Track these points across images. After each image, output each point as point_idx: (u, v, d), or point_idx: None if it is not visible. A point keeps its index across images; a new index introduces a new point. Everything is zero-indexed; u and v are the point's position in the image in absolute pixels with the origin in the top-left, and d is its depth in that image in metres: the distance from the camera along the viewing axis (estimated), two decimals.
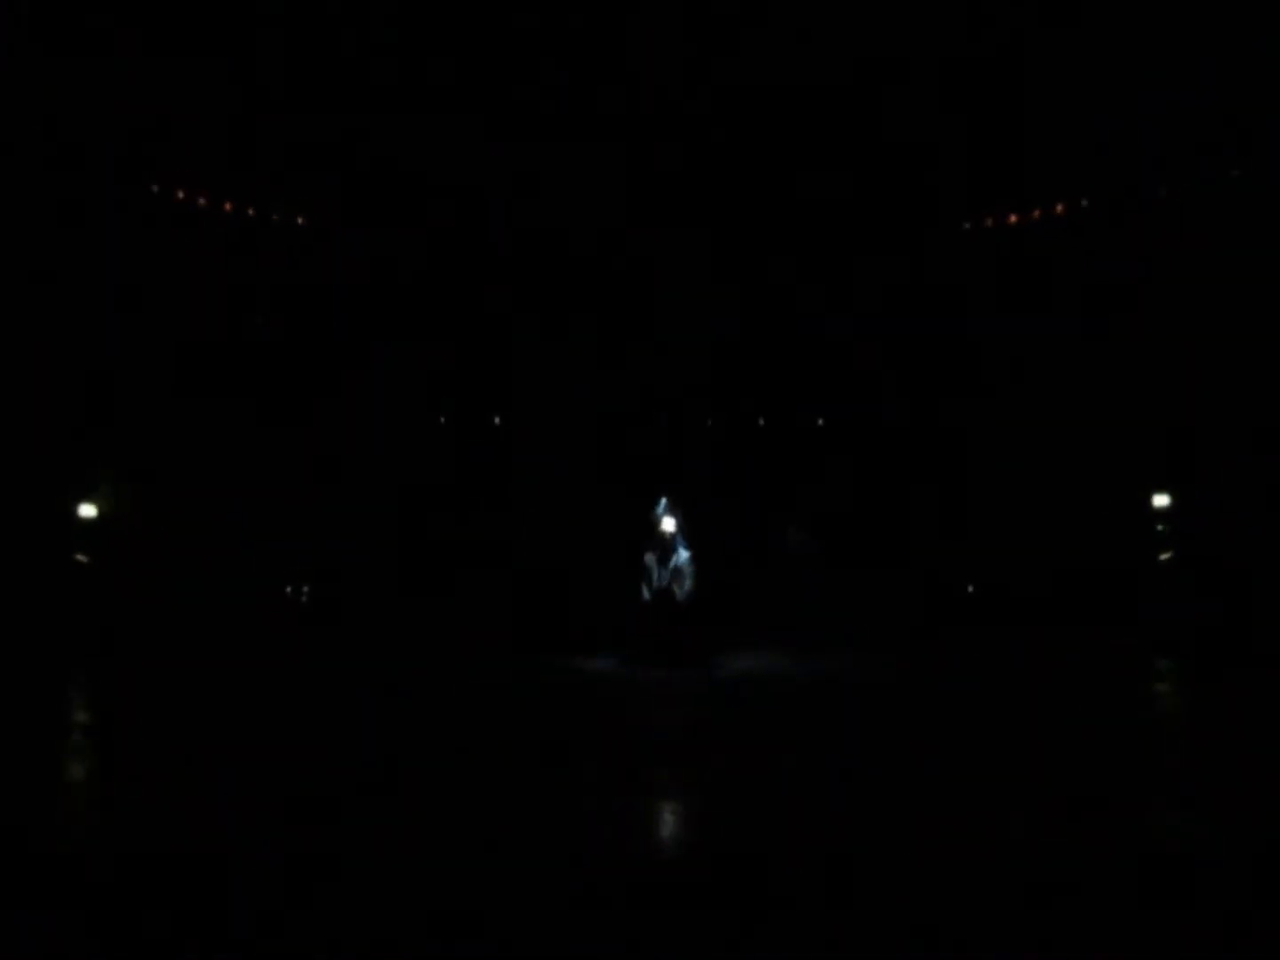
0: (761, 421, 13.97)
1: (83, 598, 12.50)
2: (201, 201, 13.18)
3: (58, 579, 12.65)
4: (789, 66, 12.14)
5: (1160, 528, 12.92)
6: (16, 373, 12.54)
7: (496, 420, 13.86)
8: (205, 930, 4.03)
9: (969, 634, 12.34)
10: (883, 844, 5.05)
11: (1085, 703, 9.15)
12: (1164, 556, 12.89)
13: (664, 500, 11.78)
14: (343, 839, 5.11)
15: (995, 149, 12.62)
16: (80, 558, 12.90)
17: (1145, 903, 4.30)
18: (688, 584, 11.54)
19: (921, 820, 5.44)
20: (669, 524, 11.68)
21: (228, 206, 13.23)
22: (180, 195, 13.06)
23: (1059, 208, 13.15)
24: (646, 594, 11.59)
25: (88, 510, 13.03)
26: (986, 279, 13.35)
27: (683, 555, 11.61)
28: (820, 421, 13.94)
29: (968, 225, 13.42)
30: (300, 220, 13.63)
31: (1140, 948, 3.86)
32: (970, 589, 13.37)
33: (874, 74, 12.18)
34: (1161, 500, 12.98)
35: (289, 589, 13.41)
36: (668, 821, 5.79)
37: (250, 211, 13.36)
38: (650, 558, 11.66)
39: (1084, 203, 13.01)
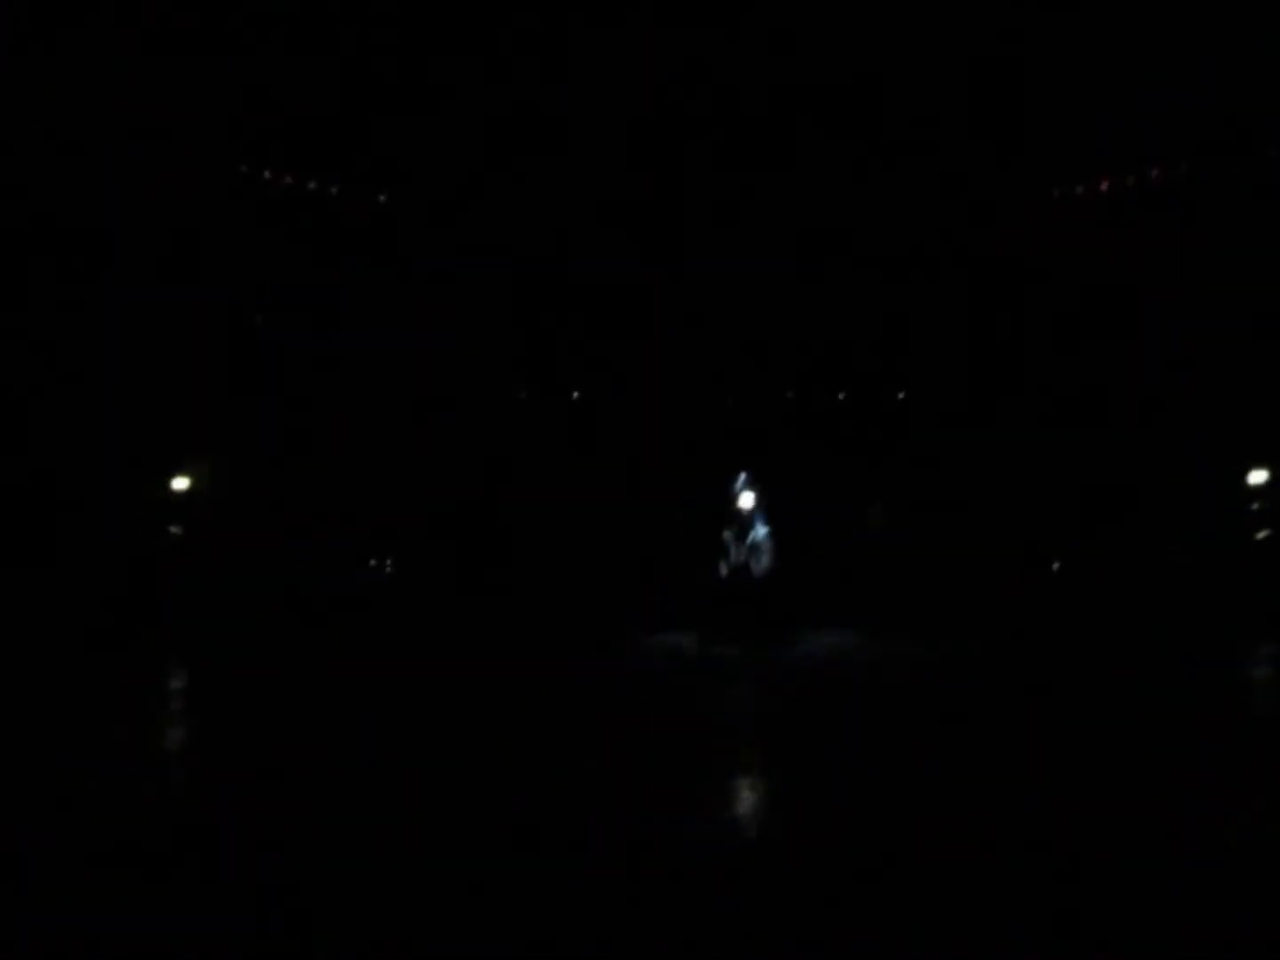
0: (842, 397, 13.79)
1: (176, 568, 12.89)
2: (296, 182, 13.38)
3: (153, 549, 13.06)
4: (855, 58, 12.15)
5: (1257, 505, 12.52)
6: (117, 352, 12.91)
7: (575, 395, 13.89)
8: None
9: (1055, 615, 12.06)
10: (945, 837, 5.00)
11: (1178, 690, 8.90)
12: (1261, 535, 12.50)
13: (743, 476, 11.72)
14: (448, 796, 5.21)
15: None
16: (174, 529, 13.28)
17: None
18: (765, 560, 11.48)
19: (992, 815, 5.37)
20: (747, 500, 11.62)
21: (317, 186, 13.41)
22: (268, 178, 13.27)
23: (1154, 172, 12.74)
24: (724, 570, 11.57)
25: (181, 483, 13.41)
26: (1084, 250, 12.97)
27: (761, 531, 11.55)
28: (901, 396, 13.71)
29: (1056, 193, 13.04)
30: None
31: None
32: (1056, 566, 13.08)
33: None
34: (1259, 477, 12.57)
35: (372, 561, 13.65)
36: (733, 803, 5.80)
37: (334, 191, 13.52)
38: (728, 534, 11.62)
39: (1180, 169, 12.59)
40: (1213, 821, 5.12)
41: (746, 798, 5.93)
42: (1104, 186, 12.99)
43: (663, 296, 13.43)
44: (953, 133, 12.65)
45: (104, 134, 12.16)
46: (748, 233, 13.04)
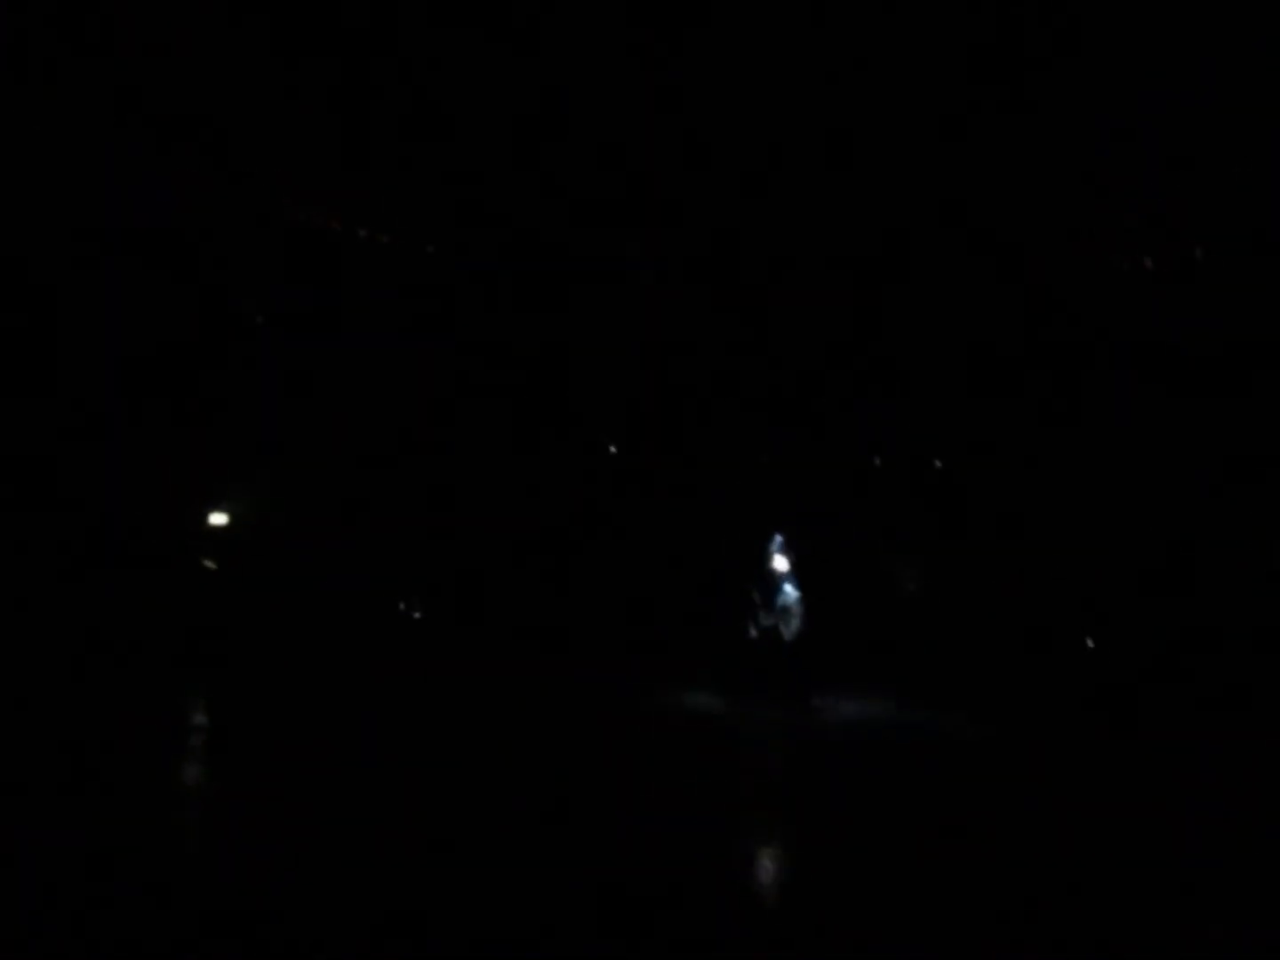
0: (878, 462, 13.73)
1: (209, 602, 12.97)
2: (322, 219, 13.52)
3: (187, 583, 13.17)
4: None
5: None
6: (156, 385, 13.11)
7: (612, 450, 13.92)
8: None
9: (1088, 691, 11.81)
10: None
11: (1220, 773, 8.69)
12: None
13: (778, 538, 11.69)
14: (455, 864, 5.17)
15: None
16: (208, 563, 13.40)
17: None
18: (795, 624, 11.41)
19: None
20: (781, 562, 11.58)
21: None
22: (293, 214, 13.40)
23: None
24: (753, 631, 11.50)
25: (218, 519, 13.55)
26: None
27: (792, 594, 11.49)
28: (938, 464, 13.63)
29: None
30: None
31: None
32: (1089, 642, 12.85)
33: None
34: None
35: (402, 604, 13.69)
36: (759, 870, 5.72)
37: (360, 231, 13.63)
38: (758, 595, 11.57)
39: None
40: None
41: (760, 865, 5.85)
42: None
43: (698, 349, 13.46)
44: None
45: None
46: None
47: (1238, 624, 11.58)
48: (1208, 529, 12.20)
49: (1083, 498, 12.74)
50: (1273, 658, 10.90)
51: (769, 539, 11.71)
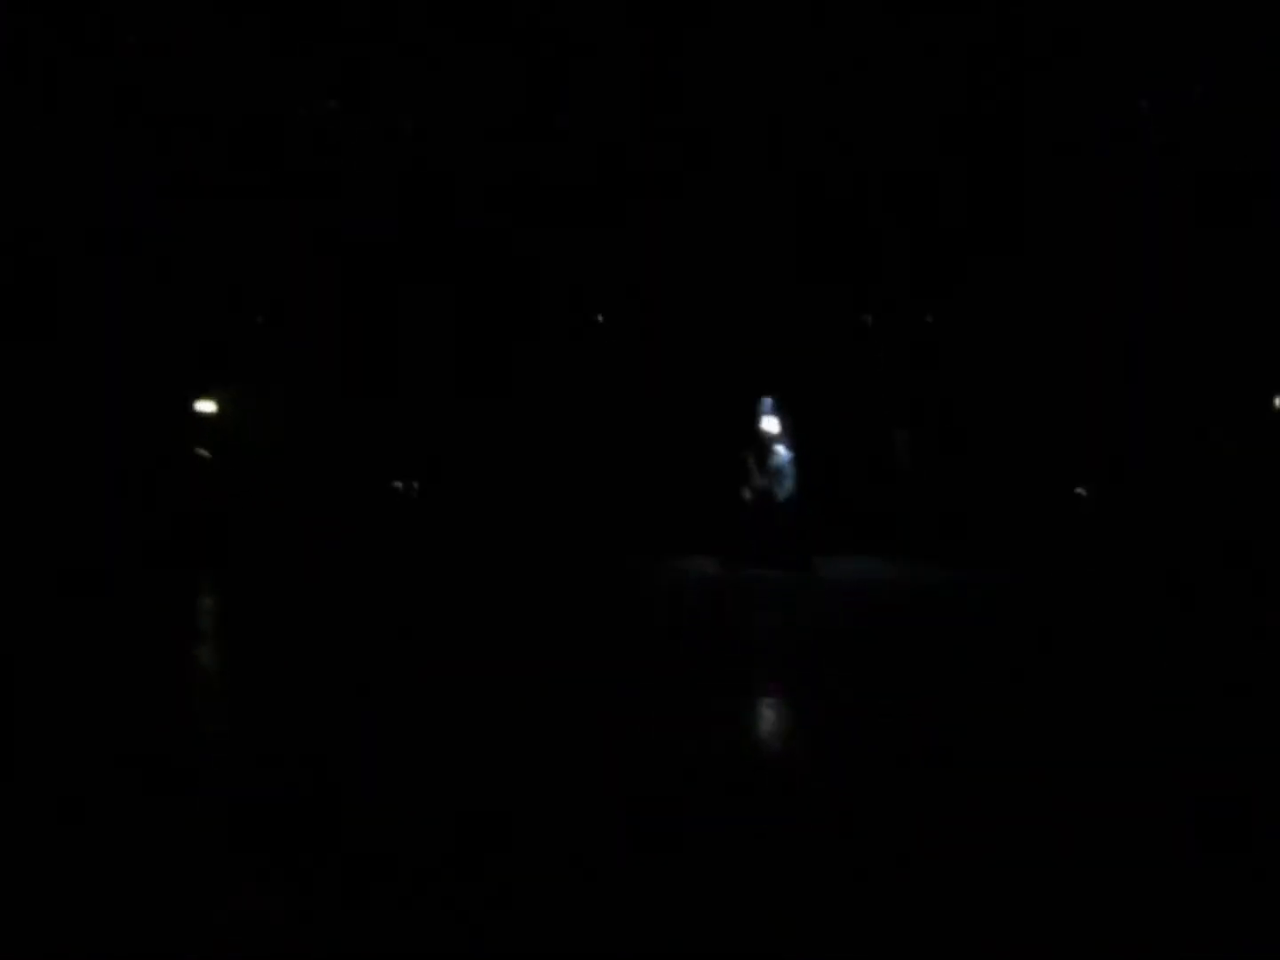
0: (869, 319, 13.57)
1: (203, 490, 13.03)
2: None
3: (181, 471, 13.19)
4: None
5: None
6: (146, 274, 12.92)
7: (600, 318, 13.76)
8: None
9: (1083, 541, 12.00)
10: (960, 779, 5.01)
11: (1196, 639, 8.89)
12: None
13: (768, 400, 11.65)
14: (477, 710, 5.27)
15: None
16: (201, 452, 13.40)
17: None
18: (788, 485, 11.45)
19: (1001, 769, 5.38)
20: (771, 424, 11.56)
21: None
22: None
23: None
24: (747, 495, 11.55)
25: (206, 406, 13.49)
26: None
27: (783, 456, 11.50)
28: (930, 319, 13.47)
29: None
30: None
31: None
32: (1080, 492, 12.96)
33: None
34: None
35: (399, 484, 13.74)
36: (758, 727, 5.84)
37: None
38: (750, 458, 11.58)
39: None
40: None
41: (763, 718, 5.96)
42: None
43: (682, 218, 13.19)
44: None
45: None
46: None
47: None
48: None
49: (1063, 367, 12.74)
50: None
51: (760, 401, 11.68)
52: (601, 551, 11.96)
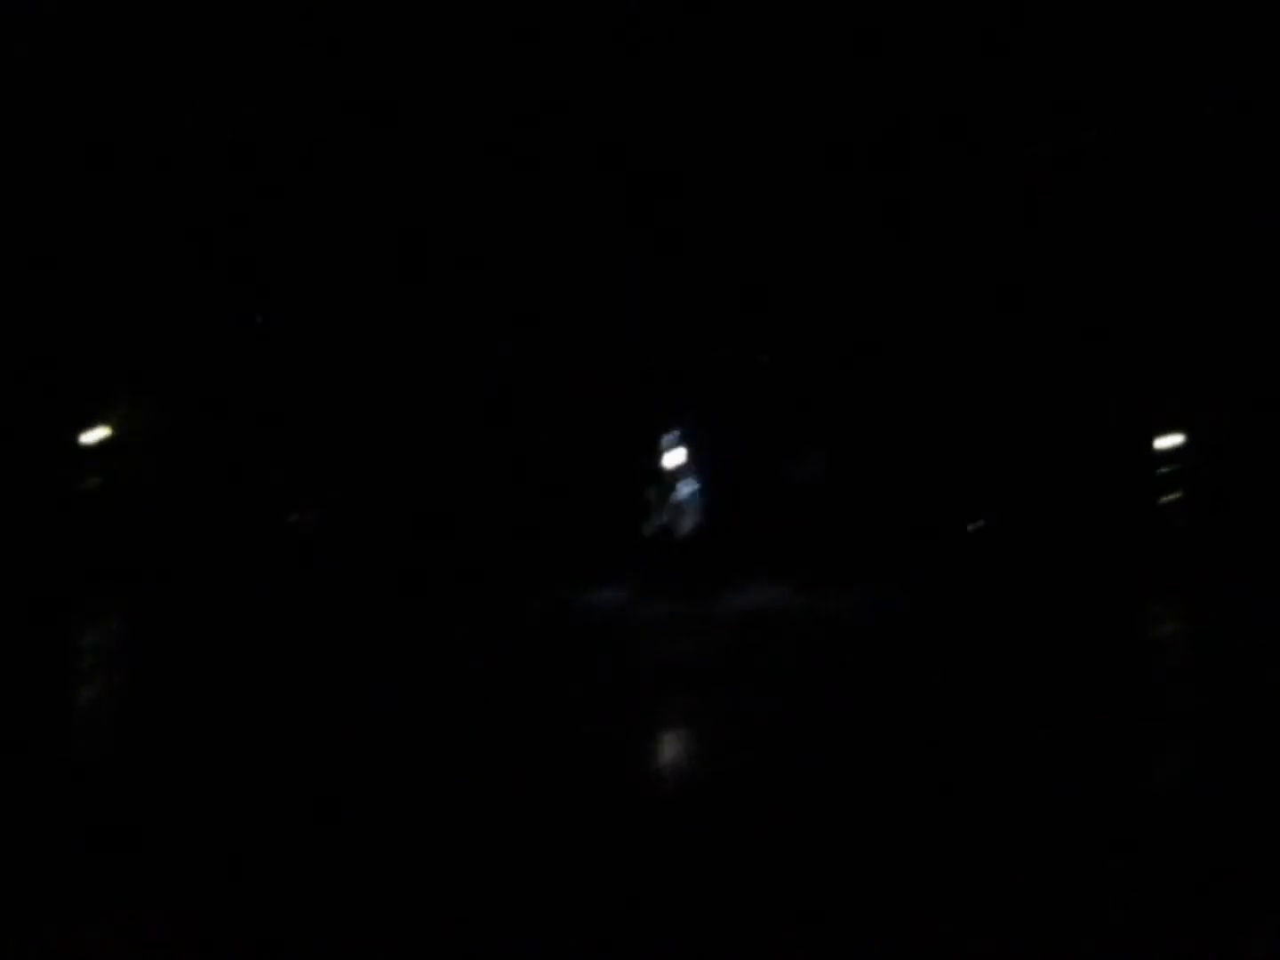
0: (768, 358, 13.74)
1: (90, 522, 12.59)
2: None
3: (64, 502, 12.74)
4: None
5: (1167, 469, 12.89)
6: (33, 294, 12.51)
7: (506, 351, 13.67)
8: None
9: (973, 571, 12.30)
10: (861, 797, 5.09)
11: (1085, 647, 9.16)
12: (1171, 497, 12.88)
13: (673, 433, 11.75)
14: (371, 766, 5.16)
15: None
16: (89, 480, 12.96)
17: None
18: (689, 521, 11.55)
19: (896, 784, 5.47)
20: (674, 457, 11.67)
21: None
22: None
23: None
24: (650, 527, 11.61)
25: (98, 433, 13.06)
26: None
27: (684, 491, 11.61)
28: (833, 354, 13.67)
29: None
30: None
31: None
32: (979, 521, 13.27)
33: None
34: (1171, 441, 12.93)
35: (294, 516, 13.46)
36: (666, 752, 5.85)
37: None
38: (653, 490, 11.66)
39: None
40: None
41: (668, 751, 5.99)
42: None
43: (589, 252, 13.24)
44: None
45: None
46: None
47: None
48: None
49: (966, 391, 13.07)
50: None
51: (663, 435, 11.78)
52: (501, 587, 11.88)
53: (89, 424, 12.99)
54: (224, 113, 12.36)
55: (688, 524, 11.52)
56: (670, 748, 6.01)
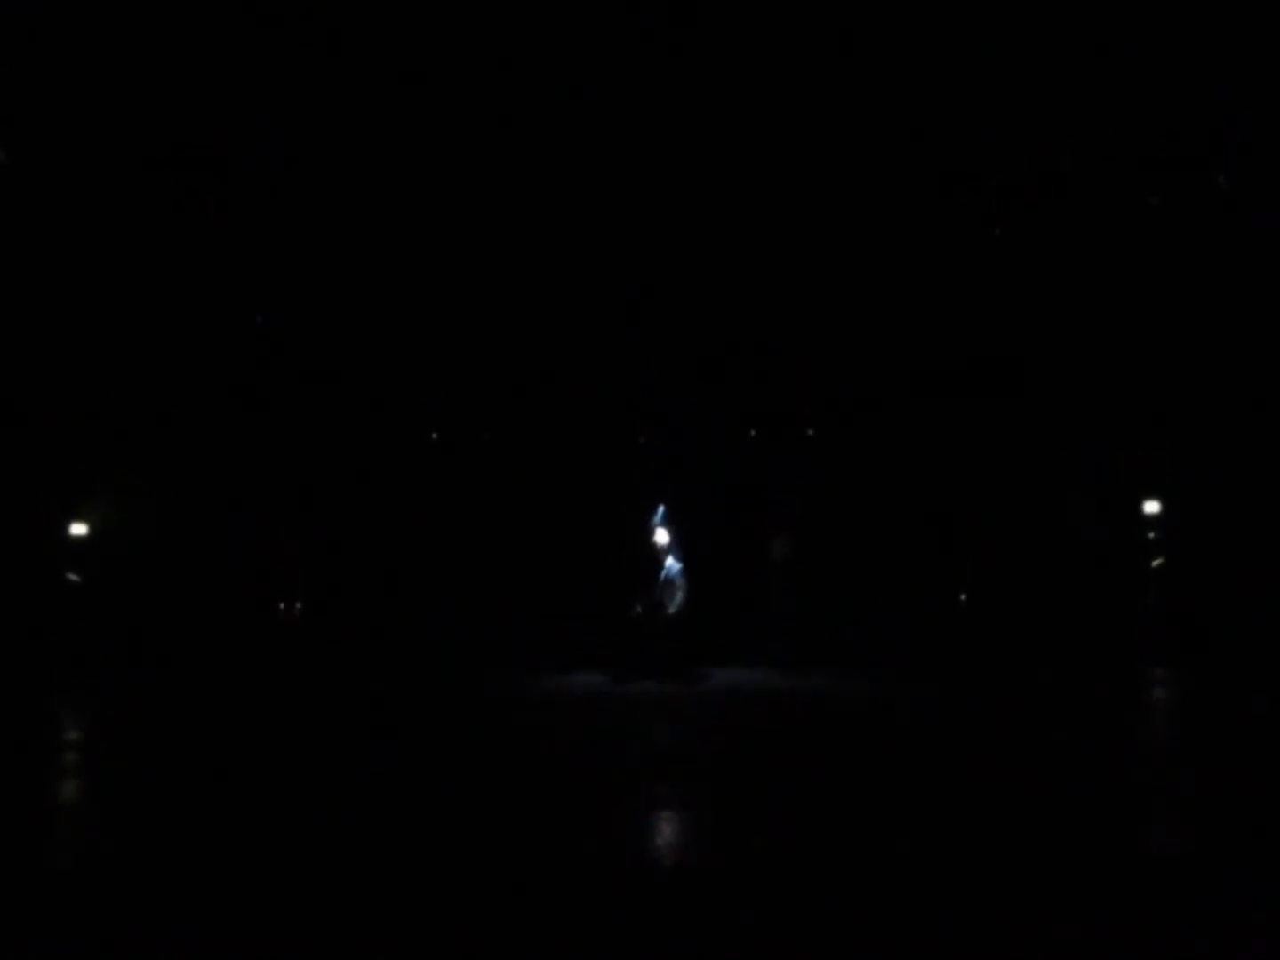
0: (753, 434, 13.82)
1: (74, 616, 12.55)
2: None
3: (49, 597, 12.70)
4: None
5: (1152, 534, 12.95)
6: (13, 388, 12.59)
7: (486, 436, 13.74)
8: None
9: (961, 646, 12.35)
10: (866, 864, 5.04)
11: (1080, 714, 9.16)
12: (1156, 563, 12.91)
13: (660, 511, 11.76)
14: (347, 854, 5.09)
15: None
16: (72, 576, 12.92)
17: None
18: (679, 596, 11.51)
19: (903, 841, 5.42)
20: (662, 536, 11.65)
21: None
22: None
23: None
24: (637, 607, 11.55)
25: (79, 528, 13.04)
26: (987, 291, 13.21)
27: (674, 567, 11.58)
28: (810, 433, 13.79)
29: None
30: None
31: None
32: (962, 599, 13.33)
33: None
34: (1152, 507, 13.00)
35: (281, 605, 13.40)
36: (658, 835, 5.78)
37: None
38: (641, 569, 11.62)
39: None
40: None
41: (660, 833, 5.91)
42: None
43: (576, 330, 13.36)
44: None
45: None
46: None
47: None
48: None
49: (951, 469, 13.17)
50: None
51: (650, 513, 11.79)
52: (487, 669, 11.82)
53: (74, 515, 12.98)
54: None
55: (678, 601, 11.48)
56: (662, 830, 5.93)
